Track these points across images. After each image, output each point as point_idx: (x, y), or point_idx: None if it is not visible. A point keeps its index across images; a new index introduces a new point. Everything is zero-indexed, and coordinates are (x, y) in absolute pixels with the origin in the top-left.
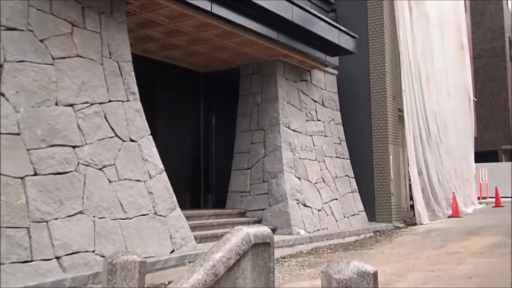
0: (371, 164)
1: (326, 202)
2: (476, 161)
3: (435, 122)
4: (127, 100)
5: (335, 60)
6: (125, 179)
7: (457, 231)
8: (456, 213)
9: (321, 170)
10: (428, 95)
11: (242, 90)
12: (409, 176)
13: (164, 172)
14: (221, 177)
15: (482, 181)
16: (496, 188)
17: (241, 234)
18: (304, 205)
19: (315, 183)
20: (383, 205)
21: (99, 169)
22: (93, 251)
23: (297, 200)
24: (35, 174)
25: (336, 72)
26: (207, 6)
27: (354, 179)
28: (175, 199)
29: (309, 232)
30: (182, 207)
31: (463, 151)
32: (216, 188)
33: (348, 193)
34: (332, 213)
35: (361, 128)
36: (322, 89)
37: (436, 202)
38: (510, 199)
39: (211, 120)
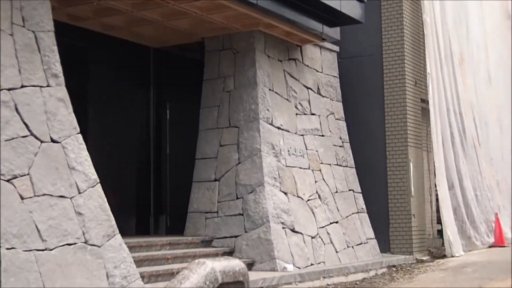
0: (384, 175)
1: (323, 227)
2: None
3: (471, 118)
4: (47, 85)
5: (335, 33)
6: (43, 194)
7: (501, 266)
8: (499, 242)
9: (316, 182)
10: (462, 81)
11: (207, 72)
12: (436, 191)
13: (99, 184)
14: (178, 191)
15: None
16: None
17: (204, 270)
18: (293, 231)
19: (308, 200)
20: (400, 230)
21: (7, 180)
22: None
23: (282, 223)
24: None
25: (337, 48)
26: None
27: (361, 195)
28: (113, 223)
29: (299, 268)
30: (125, 233)
31: (510, 158)
32: (172, 207)
33: (353, 213)
34: (331, 242)
35: (371, 125)
36: (317, 71)
37: (473, 226)
38: None
39: (165, 114)
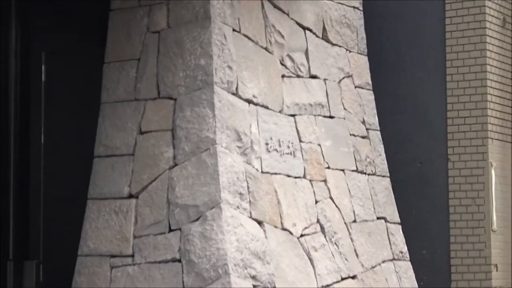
0: (443, 192)
1: (329, 285)
2: None
3: None
4: None
5: None
6: None
7: None
8: None
9: (317, 203)
10: None
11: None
12: None
13: None
14: (60, 217)
15: None
16: None
17: None
18: None
19: (302, 235)
20: None
21: None
22: None
23: (254, 278)
24: None
25: None
26: None
27: (399, 228)
28: None
29: None
30: None
31: None
32: (48, 246)
33: (384, 262)
34: None
35: (420, 101)
36: None
37: None
38: None
39: (38, 73)
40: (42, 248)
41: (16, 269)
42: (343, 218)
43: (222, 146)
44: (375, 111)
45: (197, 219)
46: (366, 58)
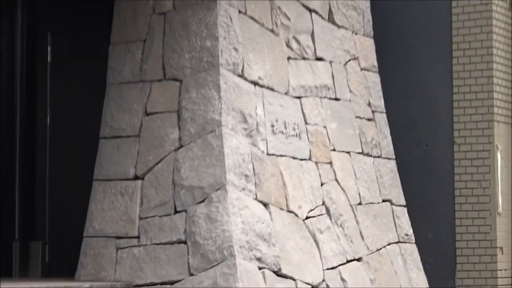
0: (449, 174)
1: (335, 267)
2: None
3: None
4: None
5: None
6: None
7: None
8: None
9: (322, 185)
10: None
11: None
12: None
13: None
14: (66, 199)
15: None
16: None
17: None
18: (278, 275)
19: (308, 218)
20: (477, 275)
21: None
22: None
23: (259, 260)
24: None
25: None
26: None
27: (405, 210)
28: None
29: None
30: None
31: None
32: (53, 227)
33: (389, 244)
34: None
35: (425, 82)
36: None
37: None
38: None
39: (43, 53)
40: (47, 229)
41: (22, 250)
42: (349, 201)
43: (227, 128)
44: (381, 93)
45: (203, 201)
46: (372, 40)
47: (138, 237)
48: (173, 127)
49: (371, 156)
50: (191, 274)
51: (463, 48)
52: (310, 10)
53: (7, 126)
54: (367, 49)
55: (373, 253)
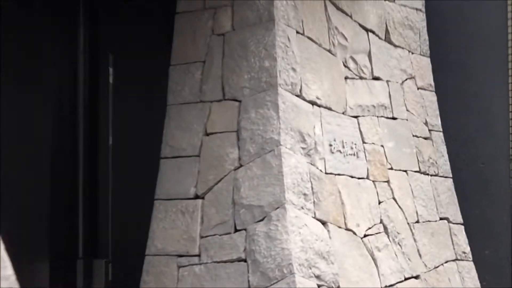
0: (506, 190)
1: (393, 285)
2: None
3: None
4: None
5: None
6: None
7: None
8: None
9: (380, 203)
10: None
11: (182, 2)
12: None
13: None
14: (128, 218)
15: None
16: None
17: None
18: None
19: (366, 236)
20: None
21: None
22: None
23: (318, 277)
24: None
25: None
26: None
27: (462, 228)
28: (10, 271)
29: None
30: None
31: None
32: (116, 246)
33: (447, 262)
34: None
35: (482, 101)
36: None
37: None
38: None
39: (105, 75)
40: (111, 248)
41: (85, 268)
42: (406, 219)
43: (286, 147)
44: (437, 112)
45: (262, 219)
46: (428, 59)
47: (199, 256)
48: (233, 146)
49: (428, 174)
50: None
51: None
52: (367, 30)
53: (70, 146)
54: (423, 68)
55: (430, 270)
